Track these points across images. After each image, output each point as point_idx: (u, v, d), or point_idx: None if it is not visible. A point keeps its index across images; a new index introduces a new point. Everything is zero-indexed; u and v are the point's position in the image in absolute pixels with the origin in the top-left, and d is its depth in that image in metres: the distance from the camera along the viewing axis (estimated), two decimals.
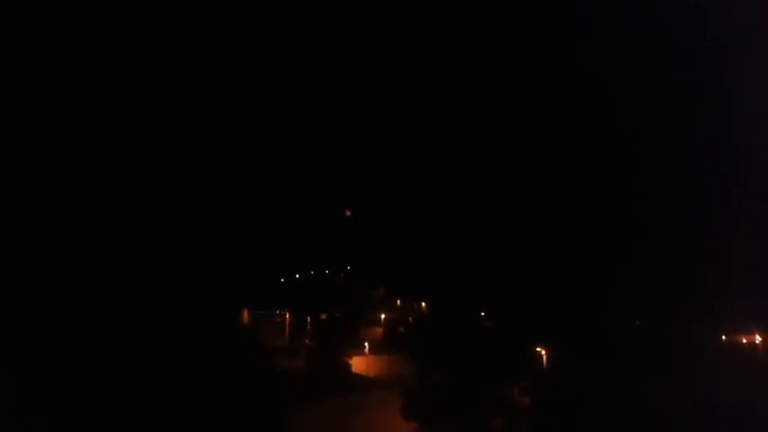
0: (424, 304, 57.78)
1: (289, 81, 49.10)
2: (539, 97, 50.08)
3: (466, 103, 52.00)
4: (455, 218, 51.94)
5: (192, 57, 43.53)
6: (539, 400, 35.15)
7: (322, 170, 53.14)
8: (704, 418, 31.49)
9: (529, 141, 51.19)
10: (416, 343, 42.56)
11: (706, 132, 45.17)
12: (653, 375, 35.73)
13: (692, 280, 43.68)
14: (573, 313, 42.69)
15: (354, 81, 51.47)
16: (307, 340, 50.16)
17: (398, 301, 60.69)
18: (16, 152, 34.95)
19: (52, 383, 28.96)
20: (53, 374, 29.36)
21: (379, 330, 55.58)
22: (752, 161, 42.84)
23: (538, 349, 39.72)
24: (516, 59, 49.72)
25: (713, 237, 45.78)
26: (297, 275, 61.53)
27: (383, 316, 57.09)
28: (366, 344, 49.72)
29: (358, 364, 46.41)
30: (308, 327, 52.62)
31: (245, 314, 51.53)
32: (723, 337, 44.94)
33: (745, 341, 45.32)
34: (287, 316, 54.47)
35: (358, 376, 44.76)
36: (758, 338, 44.95)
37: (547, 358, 39.36)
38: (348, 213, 52.05)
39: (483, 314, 46.98)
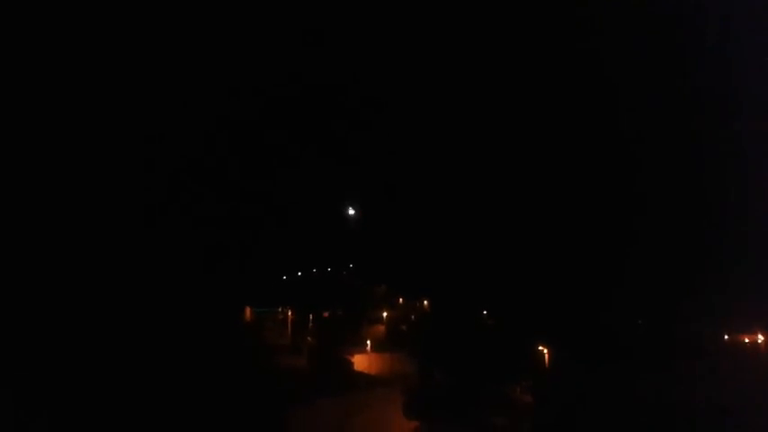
0: (426, 302, 57.83)
1: (290, 81, 49.03)
2: (539, 97, 49.96)
3: (467, 102, 51.87)
4: (457, 216, 51.89)
5: (192, 57, 43.53)
6: (540, 399, 35.29)
7: (324, 168, 53.08)
8: (706, 418, 31.55)
9: (530, 141, 51.10)
10: (418, 341, 42.79)
11: (706, 132, 45.08)
12: (654, 374, 35.81)
13: (693, 279, 43.63)
14: (575, 312, 42.75)
15: (355, 81, 51.36)
16: (309, 338, 50.22)
17: (401, 300, 60.69)
18: (16, 152, 34.99)
19: (52, 378, 29.08)
20: (53, 370, 29.50)
21: (382, 328, 55.49)
22: (753, 161, 42.76)
23: (540, 348, 39.79)
24: (516, 59, 49.60)
25: (715, 236, 45.74)
26: (299, 273, 61.45)
27: (385, 314, 56.98)
28: (368, 342, 49.69)
29: (360, 361, 46.48)
30: (311, 324, 52.66)
31: (248, 312, 51.59)
32: (725, 337, 44.91)
33: (747, 340, 45.31)
34: (289, 314, 54.41)
35: (360, 374, 44.79)
36: (760, 338, 44.89)
37: (548, 357, 39.43)
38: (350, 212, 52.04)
39: (485, 313, 47.13)
